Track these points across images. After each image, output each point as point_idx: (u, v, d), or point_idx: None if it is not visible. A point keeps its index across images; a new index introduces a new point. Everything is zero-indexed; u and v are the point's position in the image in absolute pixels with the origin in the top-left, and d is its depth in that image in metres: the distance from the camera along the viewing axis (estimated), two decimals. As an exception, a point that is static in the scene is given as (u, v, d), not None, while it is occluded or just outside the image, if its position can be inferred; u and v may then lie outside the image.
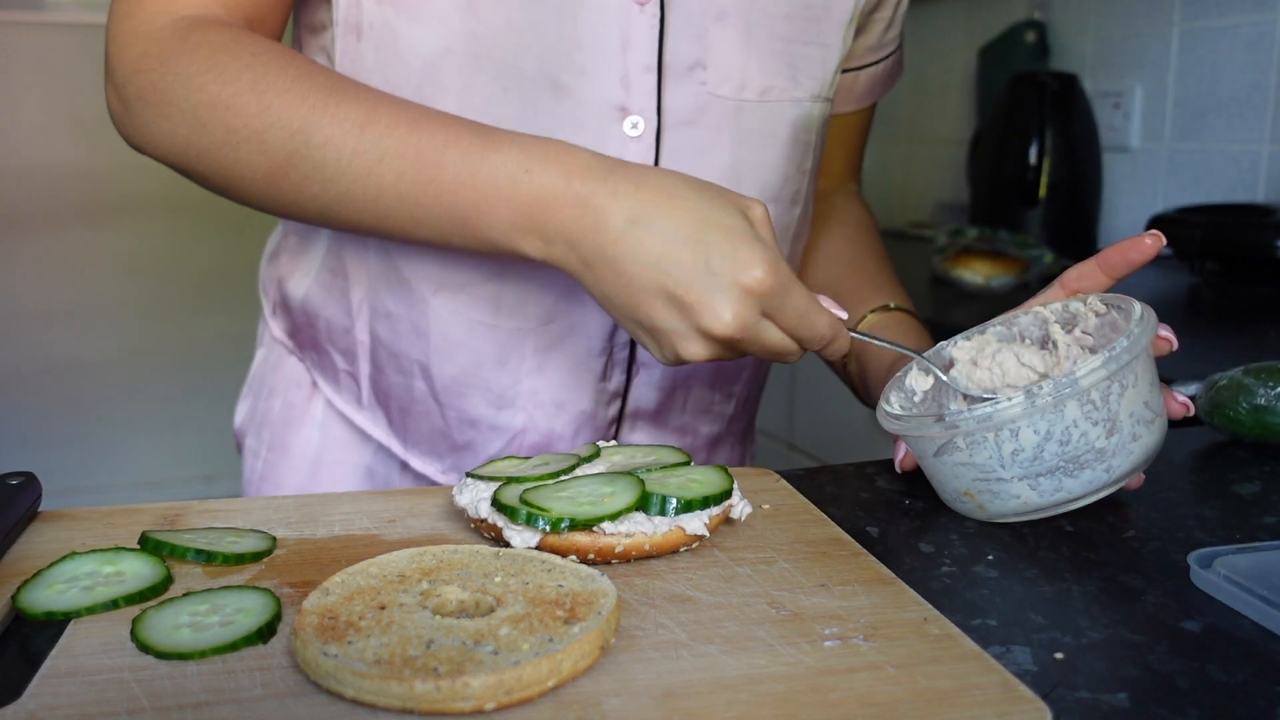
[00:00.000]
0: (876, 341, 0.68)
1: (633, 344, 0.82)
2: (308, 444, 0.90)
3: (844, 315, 0.66)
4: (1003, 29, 2.10)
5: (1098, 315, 0.64)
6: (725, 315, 0.61)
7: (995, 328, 0.69)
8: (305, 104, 0.66)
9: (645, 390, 0.84)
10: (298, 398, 0.91)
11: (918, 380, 0.67)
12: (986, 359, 0.66)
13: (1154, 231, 0.64)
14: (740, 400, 0.92)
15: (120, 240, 2.97)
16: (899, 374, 0.68)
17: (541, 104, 0.74)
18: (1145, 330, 0.58)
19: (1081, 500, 0.59)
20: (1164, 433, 0.61)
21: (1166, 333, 0.64)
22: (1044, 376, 0.64)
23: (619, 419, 0.85)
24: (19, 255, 2.91)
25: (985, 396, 0.64)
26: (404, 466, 0.88)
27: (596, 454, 0.63)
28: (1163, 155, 1.83)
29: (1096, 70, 1.94)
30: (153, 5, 0.70)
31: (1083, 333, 0.65)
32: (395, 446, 0.88)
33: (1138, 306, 0.60)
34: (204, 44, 0.67)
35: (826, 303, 0.65)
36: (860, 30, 0.88)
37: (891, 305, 0.87)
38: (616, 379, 0.83)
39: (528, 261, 0.76)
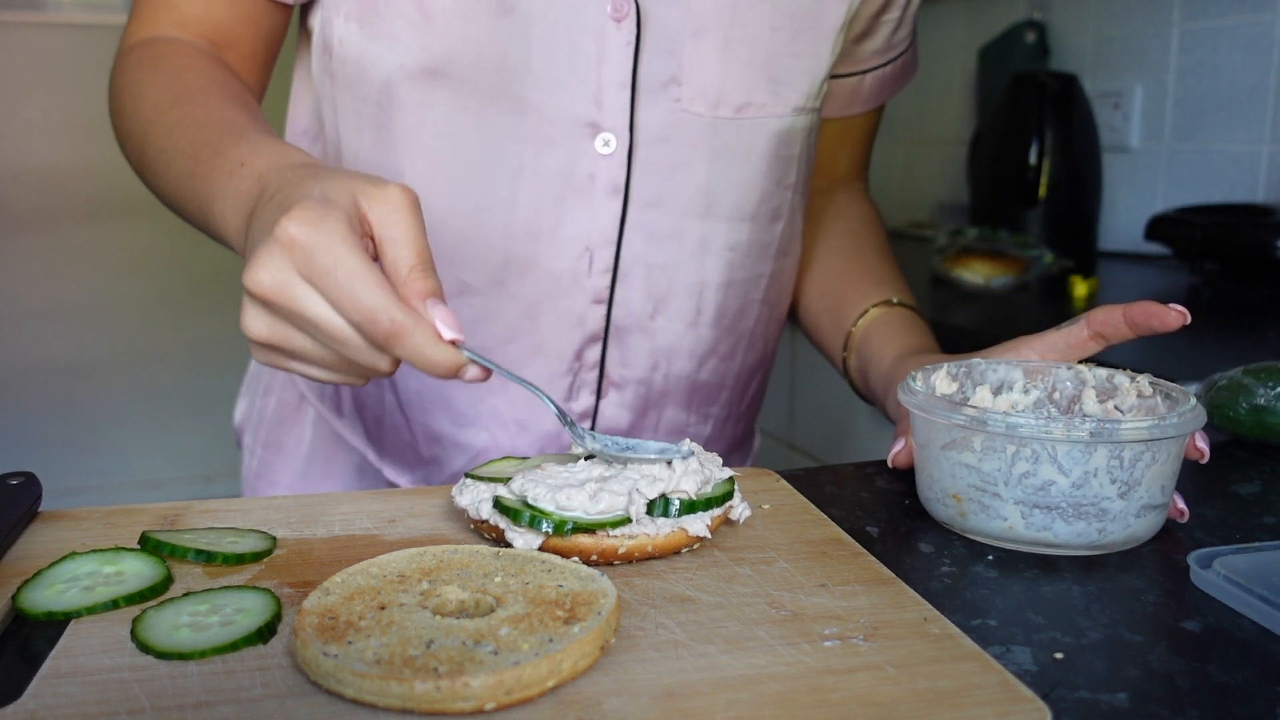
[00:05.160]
0: (495, 368, 0.56)
1: (602, 364, 0.81)
2: (300, 442, 0.90)
3: (445, 332, 0.52)
4: (1003, 29, 2.10)
5: (1140, 396, 0.64)
6: (256, 269, 0.51)
7: (1026, 364, 0.68)
8: (155, 111, 0.72)
9: (616, 410, 0.83)
10: (291, 396, 0.91)
11: (942, 382, 0.67)
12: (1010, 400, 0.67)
13: (1181, 308, 0.63)
14: (719, 421, 0.90)
15: (120, 240, 2.98)
16: (929, 366, 0.67)
17: (503, 121, 0.73)
18: (1195, 419, 0.58)
19: (1061, 550, 0.58)
20: (1160, 527, 0.60)
21: (1203, 444, 0.63)
22: None
23: None
24: (19, 255, 2.91)
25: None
26: (378, 475, 0.88)
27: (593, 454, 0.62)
28: (1163, 155, 1.83)
29: (1096, 70, 1.94)
30: (131, 30, 0.80)
31: (1115, 407, 0.65)
32: (370, 455, 0.88)
33: (1192, 399, 0.60)
34: (134, 62, 0.76)
35: (441, 313, 0.52)
36: (866, 34, 0.87)
37: (894, 300, 0.86)
38: (584, 399, 0.82)
39: (490, 279, 0.77)
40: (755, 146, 0.79)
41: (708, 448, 0.91)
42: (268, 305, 0.53)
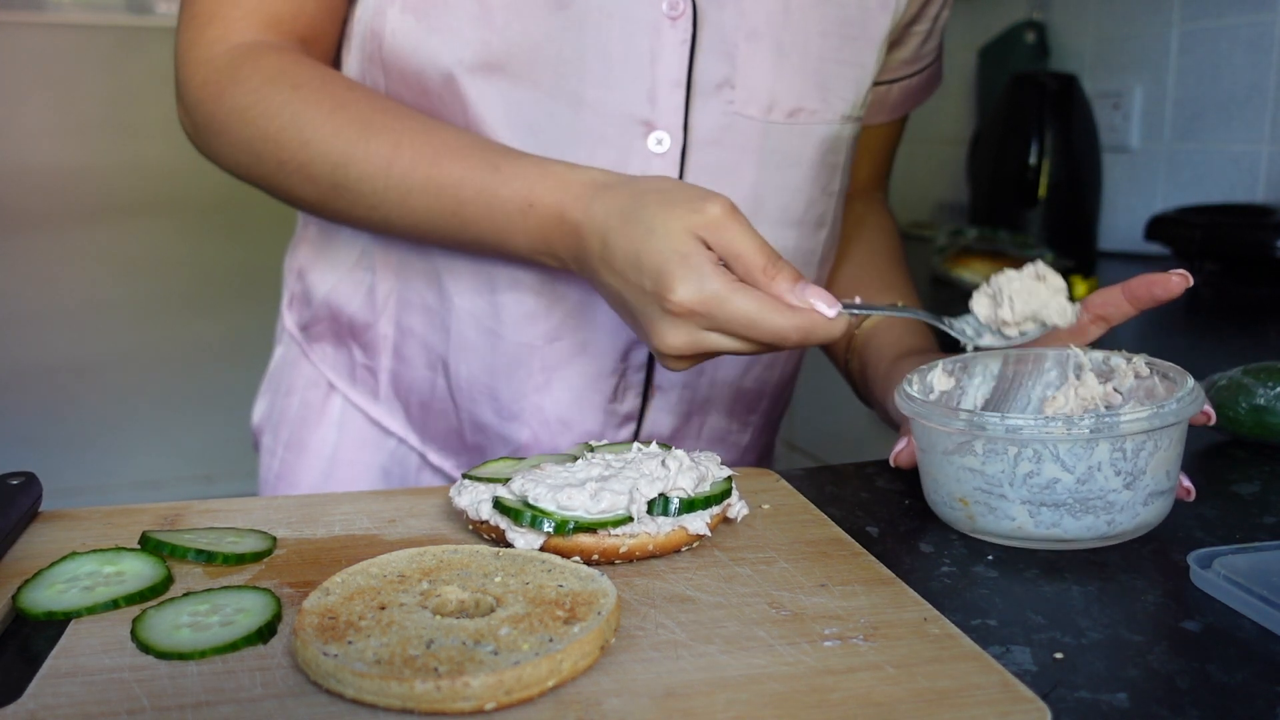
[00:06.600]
0: (876, 310, 0.64)
1: (649, 367, 0.81)
2: (324, 443, 0.90)
3: (828, 311, 0.60)
4: (1003, 29, 2.09)
5: (1138, 377, 0.64)
6: (666, 338, 0.61)
7: (1021, 353, 0.68)
8: (340, 139, 0.71)
9: (661, 415, 0.83)
10: (315, 396, 0.91)
11: (939, 379, 0.67)
12: (1012, 294, 0.65)
13: (1181, 271, 0.63)
14: (756, 429, 0.91)
15: (120, 240, 2.98)
16: (924, 366, 0.67)
17: (559, 117, 0.73)
18: (1195, 401, 0.58)
19: (1072, 544, 0.58)
20: (1169, 510, 0.60)
21: (1208, 407, 0.63)
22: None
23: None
24: (19, 255, 2.91)
25: (993, 345, 0.65)
26: (422, 459, 0.88)
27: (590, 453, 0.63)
28: (1162, 155, 1.83)
29: (1096, 70, 1.94)
30: (212, 34, 0.75)
31: (1114, 389, 0.65)
32: (413, 440, 0.88)
33: (1190, 379, 0.60)
34: (253, 76, 0.72)
35: (812, 294, 0.61)
36: (896, 44, 0.87)
37: (899, 305, 0.86)
38: (630, 402, 0.82)
39: (543, 278, 0.77)
40: (804, 152, 0.79)
41: (744, 456, 0.91)
42: (687, 358, 0.63)
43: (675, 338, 0.61)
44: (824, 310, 0.60)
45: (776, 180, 0.79)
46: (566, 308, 0.78)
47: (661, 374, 0.82)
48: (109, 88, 2.86)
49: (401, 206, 0.71)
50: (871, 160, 0.97)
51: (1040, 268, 0.64)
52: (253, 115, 0.72)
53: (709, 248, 0.60)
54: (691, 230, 0.60)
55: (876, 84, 0.90)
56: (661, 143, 0.74)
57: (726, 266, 0.60)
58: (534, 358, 0.79)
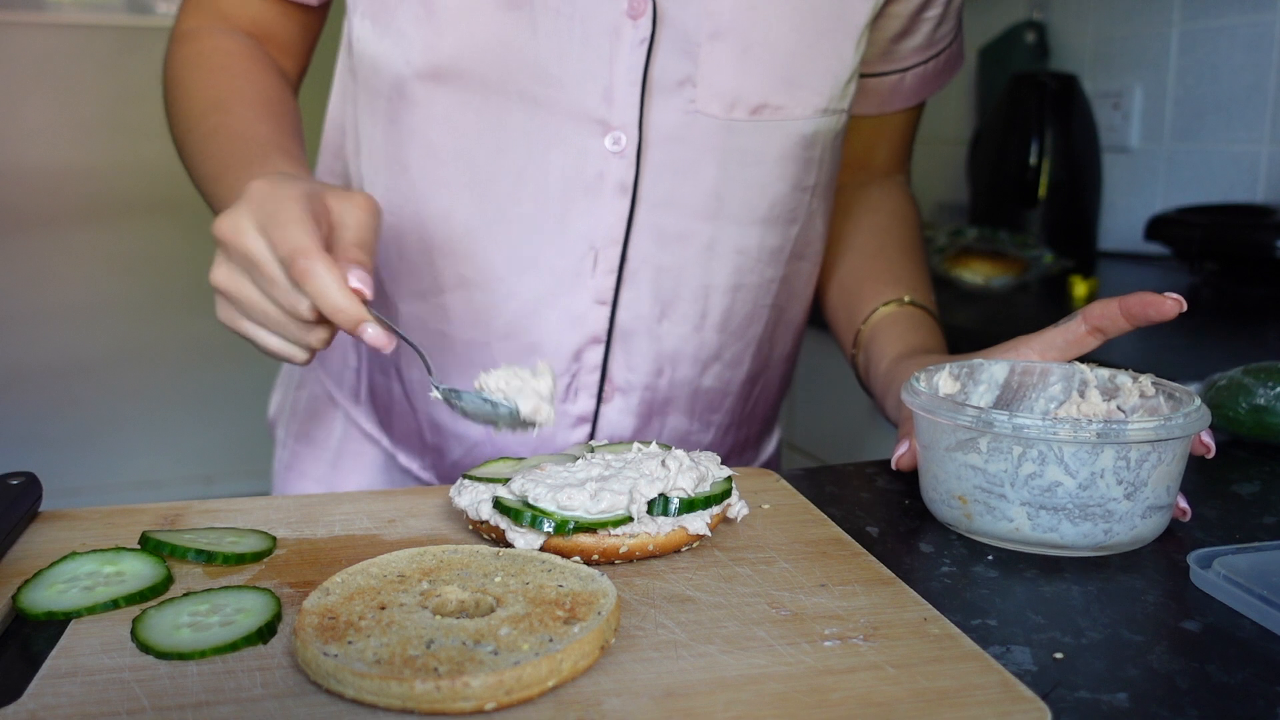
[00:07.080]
0: (397, 332, 0.59)
1: (604, 368, 0.80)
2: (330, 436, 0.92)
3: (352, 279, 0.57)
4: (1003, 29, 2.10)
5: (1143, 396, 0.64)
6: (221, 218, 0.59)
7: (1028, 365, 0.68)
8: (197, 114, 0.78)
9: (619, 416, 0.82)
10: (322, 389, 0.93)
11: (944, 382, 0.67)
12: (509, 375, 0.61)
13: (1176, 296, 0.63)
14: (720, 428, 0.89)
15: (120, 240, 2.98)
16: (931, 367, 0.67)
17: (510, 116, 0.73)
18: (1200, 419, 0.58)
19: (1067, 550, 0.58)
20: (1164, 528, 0.60)
21: (1209, 439, 0.63)
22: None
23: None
24: (19, 255, 2.91)
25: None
26: (392, 460, 0.90)
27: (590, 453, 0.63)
28: (1162, 155, 1.83)
29: (1096, 70, 1.94)
30: (183, 21, 0.86)
31: (1118, 408, 0.65)
32: (385, 442, 0.89)
33: (1197, 400, 0.60)
34: (181, 56, 0.83)
35: (356, 273, 0.57)
36: (906, 33, 0.85)
37: (906, 299, 0.85)
38: (583, 403, 0.81)
39: (490, 275, 0.78)
40: (770, 149, 0.78)
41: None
42: (225, 250, 0.59)
43: (228, 218, 0.58)
44: (351, 279, 0.56)
45: (740, 178, 0.78)
46: (517, 305, 0.78)
47: (620, 374, 0.81)
48: (109, 88, 2.86)
49: (200, 170, 0.77)
50: (888, 145, 0.96)
51: (539, 367, 0.61)
52: (167, 80, 0.83)
53: (327, 207, 0.60)
54: (324, 189, 0.61)
55: (890, 73, 0.89)
56: (618, 142, 0.74)
57: (332, 234, 0.60)
58: (485, 355, 0.79)
